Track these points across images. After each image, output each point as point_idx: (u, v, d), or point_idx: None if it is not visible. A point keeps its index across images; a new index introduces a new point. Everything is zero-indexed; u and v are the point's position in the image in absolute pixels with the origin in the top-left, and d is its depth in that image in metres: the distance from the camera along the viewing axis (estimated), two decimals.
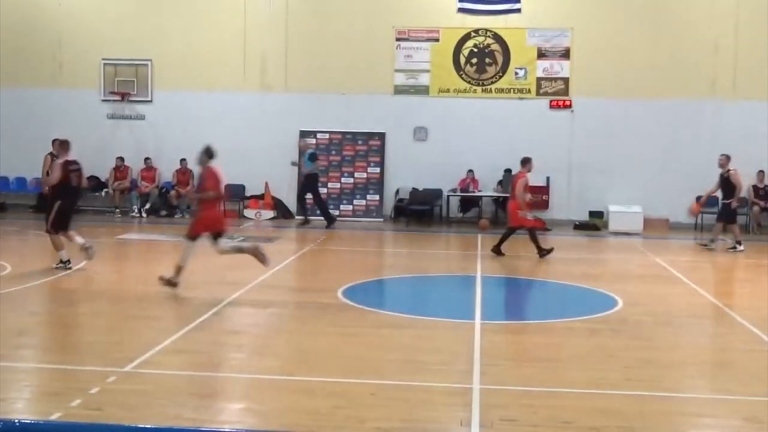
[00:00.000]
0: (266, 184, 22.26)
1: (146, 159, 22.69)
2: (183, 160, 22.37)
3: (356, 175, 22.81)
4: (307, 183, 21.13)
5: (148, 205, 22.57)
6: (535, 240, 16.09)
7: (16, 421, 3.06)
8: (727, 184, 17.86)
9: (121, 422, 6.21)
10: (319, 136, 22.73)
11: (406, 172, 22.50)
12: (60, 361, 8.56)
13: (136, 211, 22.37)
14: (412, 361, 8.42)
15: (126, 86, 22.84)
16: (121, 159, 22.64)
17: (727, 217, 17.98)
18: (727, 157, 17.96)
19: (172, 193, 22.42)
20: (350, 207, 22.73)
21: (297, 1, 22.53)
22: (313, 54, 22.45)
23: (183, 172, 22.56)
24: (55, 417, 6.53)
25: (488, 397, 7.23)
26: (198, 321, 10.15)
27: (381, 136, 22.65)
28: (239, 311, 11.04)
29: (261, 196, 22.46)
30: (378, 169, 22.69)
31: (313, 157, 21.18)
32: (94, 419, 6.45)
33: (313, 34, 22.43)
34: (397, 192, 22.63)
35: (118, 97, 22.89)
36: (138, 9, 22.87)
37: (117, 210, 22.43)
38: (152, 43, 22.68)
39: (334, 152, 22.82)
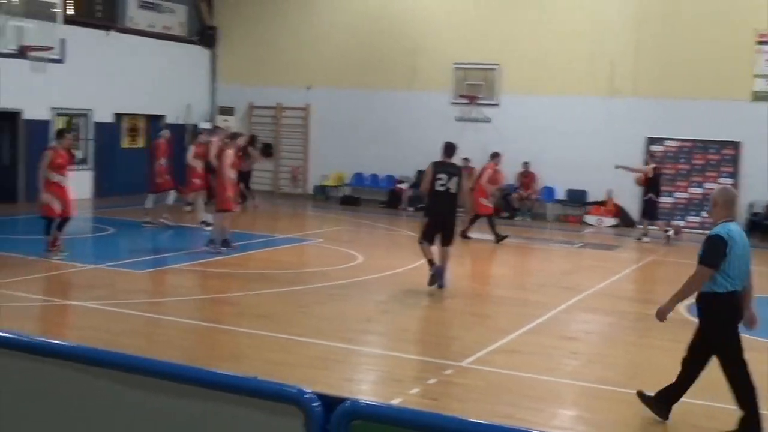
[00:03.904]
0: (609, 190, 21.81)
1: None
2: (526, 163, 22.57)
3: (705, 185, 21.60)
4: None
5: None
6: (492, 225, 17.62)
7: (363, 401, 3.22)
8: None
9: (454, 414, 6.39)
10: (666, 143, 21.84)
11: (762, 184, 20.91)
12: (401, 349, 9.00)
13: None
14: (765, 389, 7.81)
15: (474, 90, 23.46)
16: (466, 160, 23.30)
17: None
18: None
19: (515, 195, 22.71)
20: (698, 218, 21.59)
21: (649, 3, 21.81)
22: (664, 58, 21.58)
23: (526, 175, 22.77)
24: (395, 402, 6.87)
25: None
26: (534, 323, 10.18)
27: (735, 145, 21.27)
28: (576, 317, 10.91)
29: (603, 203, 22.05)
30: (730, 180, 21.34)
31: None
32: (430, 408, 6.70)
33: (665, 38, 21.56)
34: (751, 206, 21.11)
35: (466, 101, 23.58)
36: (488, 15, 23.39)
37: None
38: (501, 48, 23.09)
39: (682, 160, 21.81)
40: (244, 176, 19.63)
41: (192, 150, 18.12)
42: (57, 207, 12.90)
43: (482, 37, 23.28)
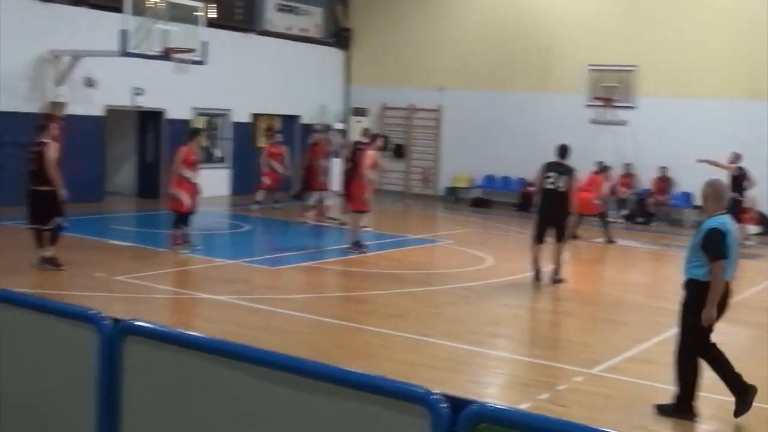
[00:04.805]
0: (752, 197, 20.90)
1: (626, 165, 22.62)
2: (663, 168, 21.93)
3: None
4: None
5: (625, 211, 22.50)
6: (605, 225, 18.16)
7: (490, 405, 3.21)
8: None
9: (584, 423, 6.28)
10: None
11: None
12: (530, 354, 8.91)
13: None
14: None
15: (610, 92, 22.96)
16: (600, 163, 22.82)
17: None
18: None
19: (650, 200, 22.11)
20: None
21: None
22: None
23: (662, 180, 22.12)
24: (523, 407, 6.81)
25: None
26: (668, 332, 9.85)
27: None
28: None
29: (745, 210, 21.17)
30: None
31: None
32: (559, 415, 6.59)
33: None
34: None
35: (601, 103, 23.10)
36: (626, 16, 22.83)
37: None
38: (639, 49, 22.49)
39: None
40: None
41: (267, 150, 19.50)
42: (186, 202, 13.33)
43: (619, 38, 22.76)
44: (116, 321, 4.17)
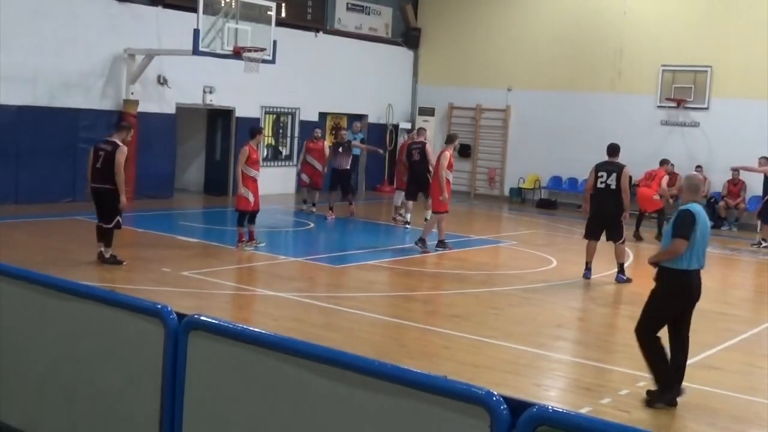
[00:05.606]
0: None
1: (697, 167, 22.20)
2: (734, 171, 21.48)
3: None
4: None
5: None
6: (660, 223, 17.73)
7: (550, 408, 3.22)
8: None
9: (647, 428, 6.21)
10: None
11: None
12: (593, 357, 8.82)
13: None
14: None
15: (683, 93, 22.57)
16: (671, 165, 22.47)
17: None
18: None
19: (721, 204, 21.67)
20: None
21: None
22: None
23: (734, 183, 21.65)
24: (584, 411, 6.76)
25: None
26: (736, 339, 9.72)
27: None
28: None
29: None
30: None
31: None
32: (621, 420, 6.54)
33: None
34: None
35: (673, 104, 22.73)
36: (701, 16, 22.40)
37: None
38: (713, 50, 22.06)
39: None
40: (340, 174, 18.87)
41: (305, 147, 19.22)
42: (251, 200, 13.51)
43: (694, 39, 22.35)
44: (181, 316, 4.27)
